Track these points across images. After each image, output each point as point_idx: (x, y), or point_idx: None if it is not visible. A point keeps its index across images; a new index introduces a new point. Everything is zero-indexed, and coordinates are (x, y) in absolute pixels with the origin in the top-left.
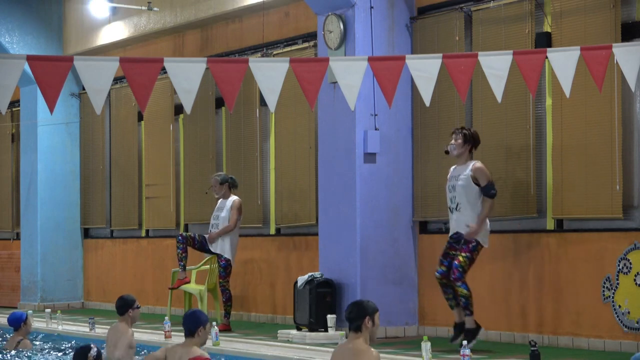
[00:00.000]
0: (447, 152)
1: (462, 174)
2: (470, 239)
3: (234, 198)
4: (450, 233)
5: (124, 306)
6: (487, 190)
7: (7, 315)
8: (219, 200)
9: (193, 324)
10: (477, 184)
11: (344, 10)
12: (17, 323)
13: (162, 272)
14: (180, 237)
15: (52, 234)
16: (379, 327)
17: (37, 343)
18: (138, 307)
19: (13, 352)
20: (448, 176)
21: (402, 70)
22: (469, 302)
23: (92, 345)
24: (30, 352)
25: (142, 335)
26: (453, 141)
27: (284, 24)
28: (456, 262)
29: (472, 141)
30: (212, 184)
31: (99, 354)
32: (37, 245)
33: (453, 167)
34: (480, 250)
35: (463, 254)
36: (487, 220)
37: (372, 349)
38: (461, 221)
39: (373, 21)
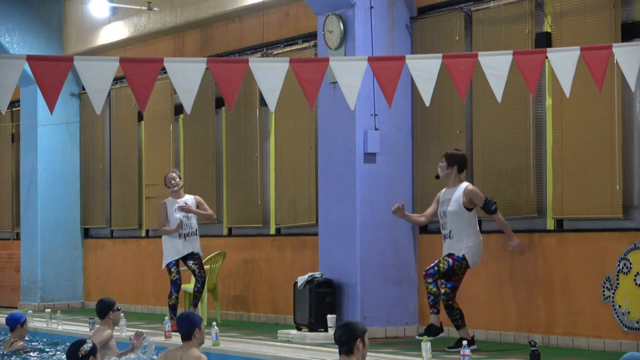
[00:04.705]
0: (437, 177)
1: (452, 198)
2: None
3: (191, 196)
4: (444, 254)
5: (105, 309)
6: (488, 208)
7: (6, 316)
8: (172, 200)
9: (188, 327)
10: (469, 209)
11: (344, 10)
12: (14, 324)
13: (162, 272)
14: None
15: (52, 234)
16: (377, 329)
17: (35, 344)
18: (118, 309)
19: (6, 354)
20: (439, 200)
21: (402, 70)
22: (437, 300)
23: (87, 340)
24: (25, 353)
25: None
26: (439, 164)
27: (284, 24)
28: (438, 261)
29: (455, 163)
30: (173, 177)
31: (92, 350)
32: (37, 245)
33: (444, 190)
34: (463, 267)
35: (447, 259)
36: (481, 239)
37: None
38: (454, 248)
39: (373, 21)
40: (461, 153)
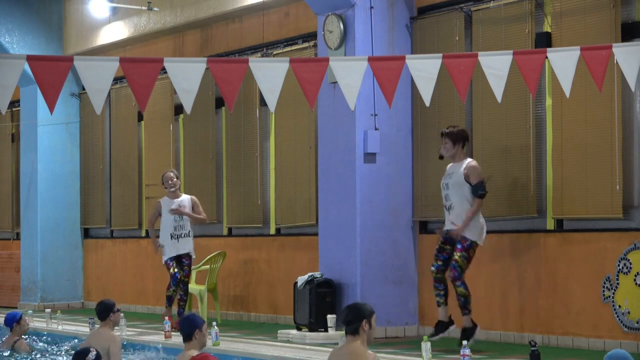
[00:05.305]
0: (441, 157)
1: (456, 172)
2: (463, 237)
3: (188, 196)
4: (445, 229)
5: (105, 311)
6: (476, 190)
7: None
8: (167, 200)
9: (189, 328)
10: (470, 182)
11: (344, 10)
12: (11, 323)
13: (162, 272)
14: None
15: (52, 234)
16: (376, 329)
17: (40, 344)
18: (118, 311)
19: (7, 353)
20: (445, 172)
21: (402, 70)
22: (468, 301)
23: (91, 349)
24: (25, 353)
25: (143, 335)
26: (442, 145)
27: (284, 24)
28: (453, 261)
29: (461, 139)
30: (170, 177)
31: (97, 357)
32: (37, 245)
33: (450, 164)
34: (476, 248)
35: (459, 253)
36: (482, 218)
37: (370, 352)
38: (454, 220)
39: (373, 21)
40: (461, 128)
